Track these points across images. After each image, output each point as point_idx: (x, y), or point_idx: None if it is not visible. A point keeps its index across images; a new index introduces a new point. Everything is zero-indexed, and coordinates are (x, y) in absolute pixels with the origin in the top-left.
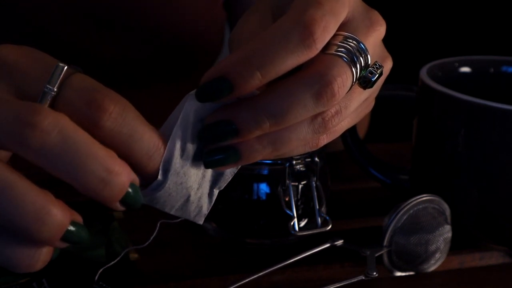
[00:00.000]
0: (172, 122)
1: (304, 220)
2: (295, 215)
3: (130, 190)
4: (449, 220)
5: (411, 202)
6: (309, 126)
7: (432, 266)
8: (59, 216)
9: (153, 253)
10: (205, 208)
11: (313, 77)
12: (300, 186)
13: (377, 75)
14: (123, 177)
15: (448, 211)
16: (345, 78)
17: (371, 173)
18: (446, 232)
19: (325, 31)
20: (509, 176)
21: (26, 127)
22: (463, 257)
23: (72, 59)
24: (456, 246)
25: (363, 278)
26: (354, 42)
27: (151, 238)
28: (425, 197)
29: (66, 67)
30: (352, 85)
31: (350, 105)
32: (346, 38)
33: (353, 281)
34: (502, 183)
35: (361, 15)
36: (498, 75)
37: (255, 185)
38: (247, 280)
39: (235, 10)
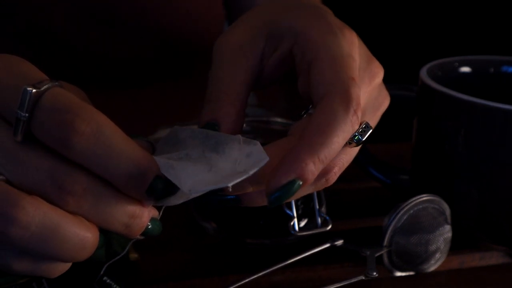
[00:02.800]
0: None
1: (304, 220)
2: (295, 215)
3: (149, 224)
4: (449, 220)
5: (411, 202)
6: (310, 186)
7: (432, 266)
8: (94, 238)
9: (153, 253)
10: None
11: None
12: None
13: (366, 137)
14: (143, 218)
15: (448, 211)
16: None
17: (371, 173)
18: (446, 232)
19: (361, 106)
20: (509, 176)
21: (66, 194)
22: (463, 257)
23: (72, 58)
24: (456, 246)
25: (363, 278)
26: None
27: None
28: (425, 197)
29: (34, 91)
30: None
31: (352, 156)
32: None
33: (353, 281)
34: (502, 183)
35: (362, 71)
36: (498, 75)
37: None
38: (247, 280)
39: (234, 9)
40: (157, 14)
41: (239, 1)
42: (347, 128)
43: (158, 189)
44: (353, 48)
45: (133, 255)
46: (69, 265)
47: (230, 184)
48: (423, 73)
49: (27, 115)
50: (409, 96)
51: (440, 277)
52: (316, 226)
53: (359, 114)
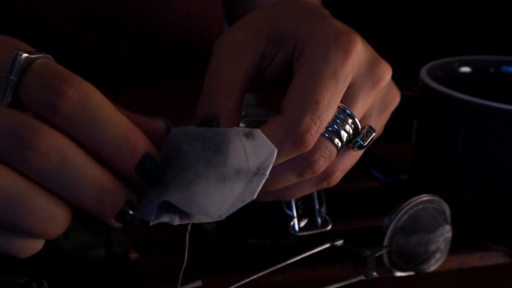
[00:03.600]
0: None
1: (304, 220)
2: (295, 215)
3: (125, 209)
4: (449, 220)
5: (411, 202)
6: (313, 186)
7: (432, 266)
8: (64, 214)
9: (153, 253)
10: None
11: (296, 159)
12: None
13: (368, 142)
14: (118, 194)
15: (448, 211)
16: (327, 156)
17: (371, 173)
18: (446, 232)
19: (319, 130)
20: (509, 176)
21: (27, 149)
22: (463, 257)
23: (72, 59)
24: (456, 246)
25: (363, 278)
26: (346, 115)
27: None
28: (425, 197)
29: (24, 55)
30: (339, 152)
31: (357, 158)
32: (339, 111)
33: (353, 281)
34: (502, 183)
35: (364, 76)
36: (498, 75)
37: None
38: (247, 280)
39: (234, 9)
40: (157, 14)
41: (239, 0)
42: (285, 149)
43: (148, 168)
44: (345, 61)
45: (133, 255)
46: (40, 245)
47: (255, 196)
48: (423, 73)
49: (15, 79)
50: (409, 96)
51: (440, 277)
52: (316, 226)
53: (312, 140)
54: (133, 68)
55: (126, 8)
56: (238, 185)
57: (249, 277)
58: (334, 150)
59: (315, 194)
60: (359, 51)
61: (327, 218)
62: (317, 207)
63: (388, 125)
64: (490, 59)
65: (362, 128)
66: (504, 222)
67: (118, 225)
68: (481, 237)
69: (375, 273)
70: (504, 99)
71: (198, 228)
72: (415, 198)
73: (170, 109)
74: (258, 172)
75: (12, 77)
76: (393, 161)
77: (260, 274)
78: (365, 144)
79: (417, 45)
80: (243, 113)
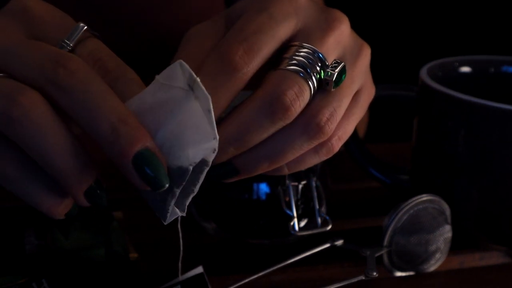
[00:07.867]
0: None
1: (304, 220)
2: (295, 215)
3: (144, 152)
4: (449, 220)
5: (411, 202)
6: (302, 135)
7: (432, 266)
8: (95, 172)
9: (153, 253)
10: (177, 211)
11: (262, 98)
12: (300, 186)
13: (336, 73)
14: (135, 131)
15: (448, 211)
16: (297, 89)
17: (371, 173)
18: (446, 232)
19: (250, 52)
20: (509, 176)
21: (59, 66)
22: (463, 257)
23: None
24: (456, 246)
25: (363, 278)
26: (307, 50)
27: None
28: (425, 197)
29: (85, 28)
30: (312, 93)
31: (342, 102)
32: (298, 48)
33: (353, 281)
34: (502, 183)
35: (315, 20)
36: (498, 75)
37: (255, 185)
38: (247, 280)
39: None
40: (157, 11)
41: None
42: (220, 76)
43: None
44: (280, 1)
45: (133, 255)
46: (68, 207)
47: (209, 96)
48: (423, 73)
49: (71, 46)
50: (409, 96)
51: (440, 277)
52: (316, 226)
53: (238, 59)
54: (132, 67)
55: (126, 5)
56: (195, 107)
57: (249, 277)
58: (304, 84)
59: (315, 194)
60: (301, 0)
61: (327, 218)
62: (317, 207)
63: (388, 125)
64: (490, 59)
65: (331, 63)
66: (504, 222)
67: (134, 173)
68: (481, 237)
69: (375, 273)
70: (504, 99)
71: (198, 228)
72: (415, 198)
73: None
74: (191, 87)
75: (68, 43)
76: (393, 161)
77: (260, 274)
78: (335, 72)
79: (417, 45)
80: None
